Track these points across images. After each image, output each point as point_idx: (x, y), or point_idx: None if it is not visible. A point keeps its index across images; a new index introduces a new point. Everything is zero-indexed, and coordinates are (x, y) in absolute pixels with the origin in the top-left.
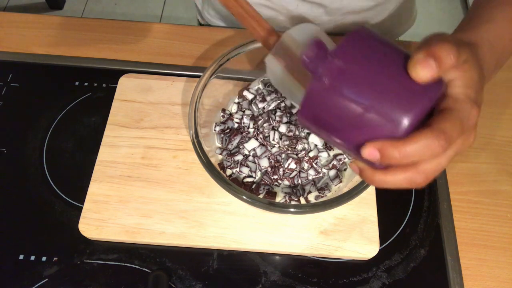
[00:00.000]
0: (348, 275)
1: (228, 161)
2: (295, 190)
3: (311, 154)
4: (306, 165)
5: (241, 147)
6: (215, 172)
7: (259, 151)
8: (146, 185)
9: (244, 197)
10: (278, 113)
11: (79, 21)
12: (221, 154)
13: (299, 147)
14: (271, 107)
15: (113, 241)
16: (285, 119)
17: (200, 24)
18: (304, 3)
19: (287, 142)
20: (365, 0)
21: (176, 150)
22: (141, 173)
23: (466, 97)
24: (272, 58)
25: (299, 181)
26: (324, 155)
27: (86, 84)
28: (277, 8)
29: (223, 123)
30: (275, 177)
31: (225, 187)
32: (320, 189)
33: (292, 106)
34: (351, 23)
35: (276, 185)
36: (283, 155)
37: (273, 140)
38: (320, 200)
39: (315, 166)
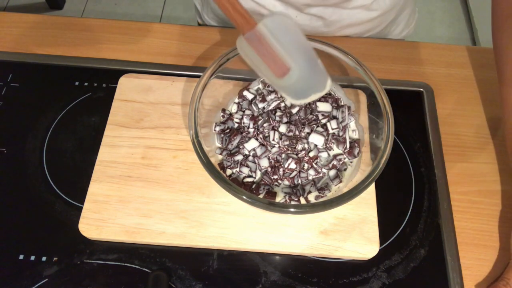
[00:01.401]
0: (348, 275)
1: (228, 161)
2: (295, 190)
3: (311, 154)
4: (306, 165)
5: (241, 147)
6: (215, 172)
7: (259, 151)
8: (146, 185)
9: (244, 197)
10: (278, 113)
11: (79, 21)
12: (221, 154)
13: (299, 147)
14: (271, 107)
15: (113, 241)
16: (285, 119)
17: (200, 25)
18: (303, 14)
19: (287, 142)
20: (366, 12)
21: (176, 150)
22: (141, 173)
23: None
24: (243, 41)
25: (299, 181)
26: (324, 155)
27: (86, 84)
28: None
29: (223, 123)
30: (275, 177)
31: (225, 187)
32: (320, 189)
33: (292, 106)
34: (350, 34)
35: (276, 185)
36: (283, 155)
37: (273, 140)
38: (320, 200)
39: (315, 166)
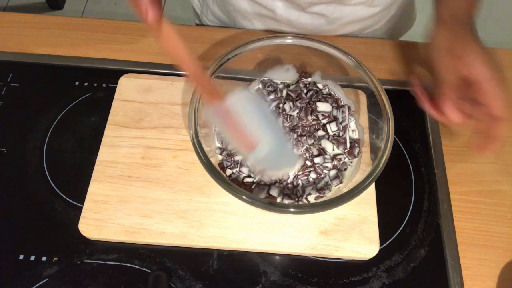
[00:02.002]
0: (348, 275)
1: (228, 161)
2: (295, 190)
3: (318, 160)
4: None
5: None
6: (215, 172)
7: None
8: (146, 185)
9: (244, 197)
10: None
11: (79, 21)
12: (221, 154)
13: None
14: (271, 107)
15: (113, 241)
16: (286, 124)
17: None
18: (305, 14)
19: None
20: (367, 9)
21: (176, 150)
22: (141, 173)
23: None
24: (211, 112)
25: (299, 182)
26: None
27: (86, 84)
28: (279, 18)
29: None
30: (275, 178)
31: (225, 187)
32: (320, 189)
33: (291, 109)
34: (352, 31)
35: (275, 186)
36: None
37: None
38: (320, 200)
39: (317, 169)
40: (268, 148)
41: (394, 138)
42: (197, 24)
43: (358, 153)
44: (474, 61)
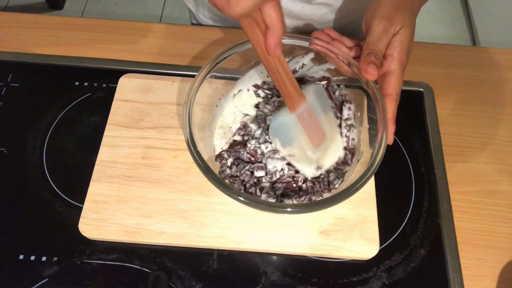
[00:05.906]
0: (348, 275)
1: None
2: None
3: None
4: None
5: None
6: (211, 173)
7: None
8: (146, 185)
9: (241, 198)
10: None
11: (79, 21)
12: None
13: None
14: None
15: (113, 241)
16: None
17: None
18: (309, 5)
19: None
20: None
21: (176, 150)
22: (141, 173)
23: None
24: (284, 117)
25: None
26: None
27: (86, 84)
28: (283, 11)
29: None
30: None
31: (220, 187)
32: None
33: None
34: (355, 19)
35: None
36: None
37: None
38: (317, 199)
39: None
40: (329, 140)
41: (394, 138)
42: (193, 24)
43: (351, 160)
44: (397, 45)
